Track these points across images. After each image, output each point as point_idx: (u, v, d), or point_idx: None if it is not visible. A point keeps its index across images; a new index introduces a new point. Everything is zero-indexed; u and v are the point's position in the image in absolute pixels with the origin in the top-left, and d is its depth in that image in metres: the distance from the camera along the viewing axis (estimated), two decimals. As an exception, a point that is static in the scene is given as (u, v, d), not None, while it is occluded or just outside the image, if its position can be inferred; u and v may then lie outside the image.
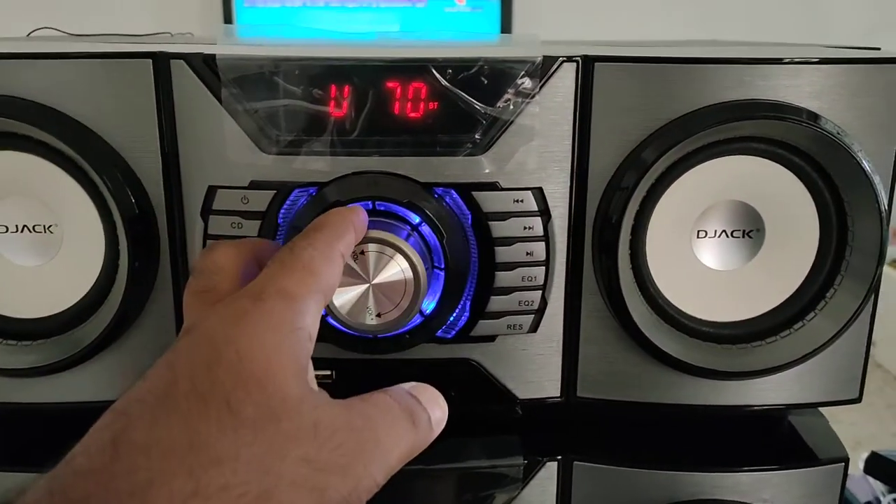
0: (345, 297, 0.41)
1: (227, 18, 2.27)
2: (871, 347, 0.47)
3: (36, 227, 0.44)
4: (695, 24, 2.38)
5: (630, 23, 2.35)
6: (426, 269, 0.42)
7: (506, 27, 2.26)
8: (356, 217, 0.37)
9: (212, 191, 0.43)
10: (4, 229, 0.44)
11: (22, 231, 0.44)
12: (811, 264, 0.45)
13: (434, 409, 0.33)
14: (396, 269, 0.40)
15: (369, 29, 2.20)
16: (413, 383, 0.34)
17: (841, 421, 1.77)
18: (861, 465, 0.80)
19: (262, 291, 0.30)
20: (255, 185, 0.43)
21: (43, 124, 0.41)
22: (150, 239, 0.44)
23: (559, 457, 0.48)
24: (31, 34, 0.63)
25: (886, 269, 2.18)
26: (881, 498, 0.78)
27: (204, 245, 0.44)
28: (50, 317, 0.45)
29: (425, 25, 2.26)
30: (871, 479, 0.81)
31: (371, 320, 0.41)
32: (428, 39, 0.44)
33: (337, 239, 0.34)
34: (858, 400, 0.48)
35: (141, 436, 0.25)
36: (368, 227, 0.41)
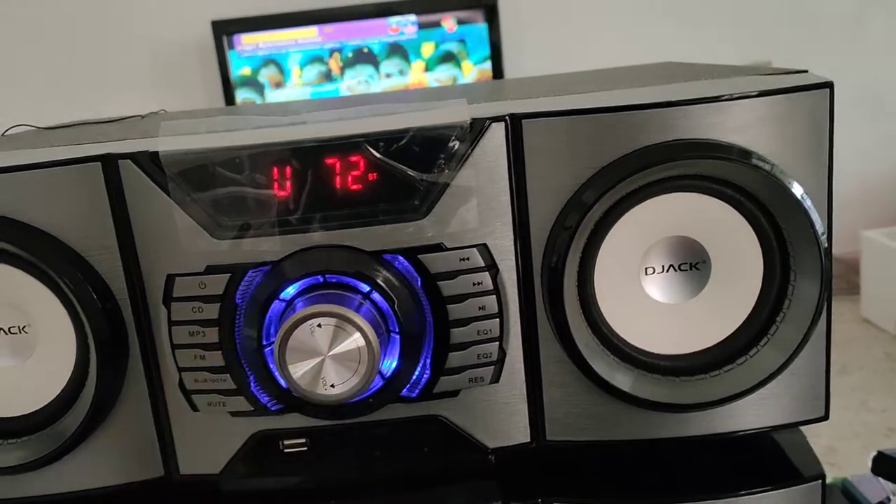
0: (303, 371, 0.42)
1: (223, 69, 2.33)
2: None
3: (11, 330, 0.46)
4: (673, 16, 2.39)
5: (612, 41, 2.36)
6: (381, 334, 0.43)
7: (495, 52, 2.28)
8: None
9: (170, 279, 0.45)
10: (-19, 334, 0.46)
11: (-3, 334, 0.46)
12: (759, 292, 0.46)
13: None
14: (349, 339, 0.42)
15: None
16: None
17: (872, 409, 1.74)
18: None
19: None
20: (210, 270, 0.45)
21: (4, 236, 0.43)
22: (116, 330, 0.45)
23: (539, 500, 0.49)
24: (7, 132, 0.65)
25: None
26: (892, 497, 0.78)
27: (170, 331, 0.46)
28: (32, 413, 0.47)
29: (414, 55, 2.29)
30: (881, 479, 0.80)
31: (330, 390, 0.43)
32: (361, 109, 0.46)
33: None
34: (826, 418, 0.48)
35: None
36: (321, 301, 0.43)
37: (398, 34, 2.30)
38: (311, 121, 0.45)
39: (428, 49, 2.30)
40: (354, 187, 0.44)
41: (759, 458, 0.52)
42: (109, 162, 0.44)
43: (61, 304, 0.45)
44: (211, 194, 0.44)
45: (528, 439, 0.48)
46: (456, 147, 0.43)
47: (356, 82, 2.32)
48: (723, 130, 0.43)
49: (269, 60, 2.31)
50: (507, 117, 0.44)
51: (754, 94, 0.43)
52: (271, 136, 0.44)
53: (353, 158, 0.44)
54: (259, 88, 2.32)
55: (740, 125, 0.43)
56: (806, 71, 0.46)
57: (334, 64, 2.31)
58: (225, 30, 2.30)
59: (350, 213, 0.44)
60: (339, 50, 2.30)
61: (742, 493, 0.48)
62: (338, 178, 0.44)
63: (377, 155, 0.43)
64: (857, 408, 1.94)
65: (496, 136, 0.44)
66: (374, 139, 0.43)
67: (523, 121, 0.44)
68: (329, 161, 0.44)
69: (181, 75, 2.45)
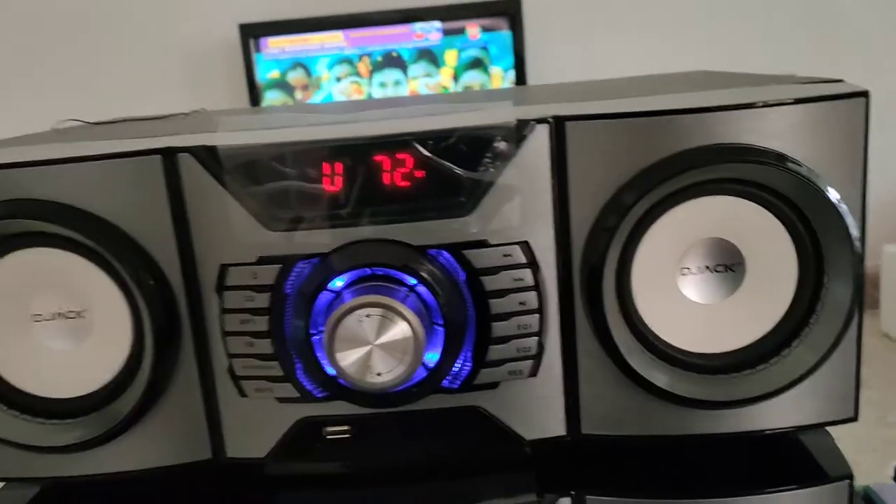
0: (351, 359, 0.44)
1: (249, 72, 2.35)
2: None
3: (69, 314, 0.48)
4: (696, 26, 2.40)
5: (636, 51, 2.37)
6: (425, 326, 0.45)
7: (518, 60, 2.30)
8: None
9: (224, 269, 0.47)
10: (41, 318, 0.48)
11: (56, 318, 0.48)
12: (793, 294, 0.47)
13: None
14: (396, 329, 0.44)
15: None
16: None
17: (890, 424, 1.72)
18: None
19: None
20: (262, 261, 0.46)
21: (66, 223, 0.45)
22: (171, 317, 0.47)
23: (572, 492, 0.51)
24: (57, 125, 0.68)
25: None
26: (914, 506, 0.78)
27: (221, 319, 0.48)
28: (88, 395, 0.49)
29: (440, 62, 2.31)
30: (904, 487, 0.81)
31: (377, 378, 0.44)
32: (410, 108, 0.47)
33: None
34: (855, 418, 0.49)
35: None
36: (368, 292, 0.45)
37: (423, 40, 2.33)
38: (361, 119, 0.47)
39: (451, 56, 2.32)
40: (402, 184, 0.46)
41: (787, 457, 0.53)
42: (169, 155, 0.46)
43: (119, 289, 0.47)
44: (265, 188, 0.46)
45: (564, 432, 0.50)
46: (501, 147, 0.45)
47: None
48: (760, 136, 0.45)
49: (298, 63, 2.34)
50: (550, 119, 0.45)
51: (790, 101, 0.45)
52: (324, 133, 0.46)
53: (402, 156, 0.45)
54: (289, 90, 2.35)
55: (777, 131, 0.45)
56: (842, 80, 0.48)
57: (363, 67, 2.34)
58: (252, 33, 2.33)
59: (398, 209, 0.46)
60: (369, 53, 2.33)
61: (770, 490, 0.50)
62: (386, 175, 0.46)
63: (425, 153, 0.45)
64: (876, 423, 1.93)
65: (540, 137, 0.45)
66: (422, 137, 0.45)
67: (567, 123, 0.45)
68: (378, 158, 0.45)
69: (208, 77, 2.48)
